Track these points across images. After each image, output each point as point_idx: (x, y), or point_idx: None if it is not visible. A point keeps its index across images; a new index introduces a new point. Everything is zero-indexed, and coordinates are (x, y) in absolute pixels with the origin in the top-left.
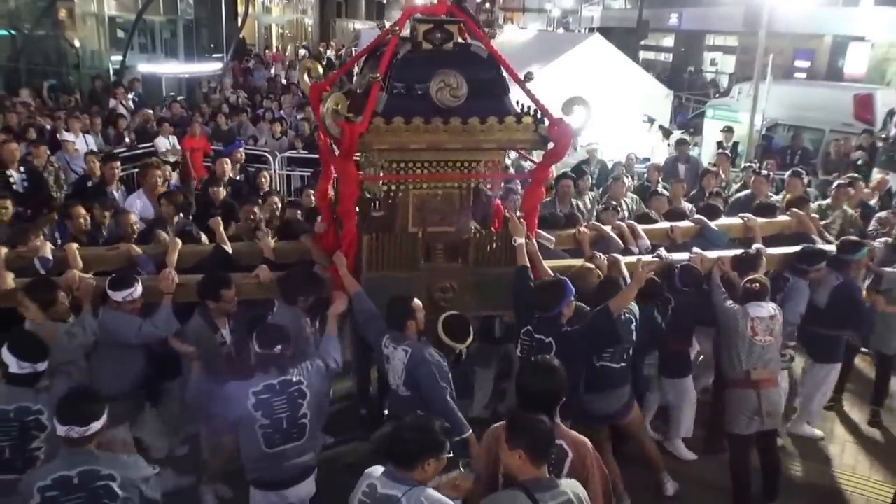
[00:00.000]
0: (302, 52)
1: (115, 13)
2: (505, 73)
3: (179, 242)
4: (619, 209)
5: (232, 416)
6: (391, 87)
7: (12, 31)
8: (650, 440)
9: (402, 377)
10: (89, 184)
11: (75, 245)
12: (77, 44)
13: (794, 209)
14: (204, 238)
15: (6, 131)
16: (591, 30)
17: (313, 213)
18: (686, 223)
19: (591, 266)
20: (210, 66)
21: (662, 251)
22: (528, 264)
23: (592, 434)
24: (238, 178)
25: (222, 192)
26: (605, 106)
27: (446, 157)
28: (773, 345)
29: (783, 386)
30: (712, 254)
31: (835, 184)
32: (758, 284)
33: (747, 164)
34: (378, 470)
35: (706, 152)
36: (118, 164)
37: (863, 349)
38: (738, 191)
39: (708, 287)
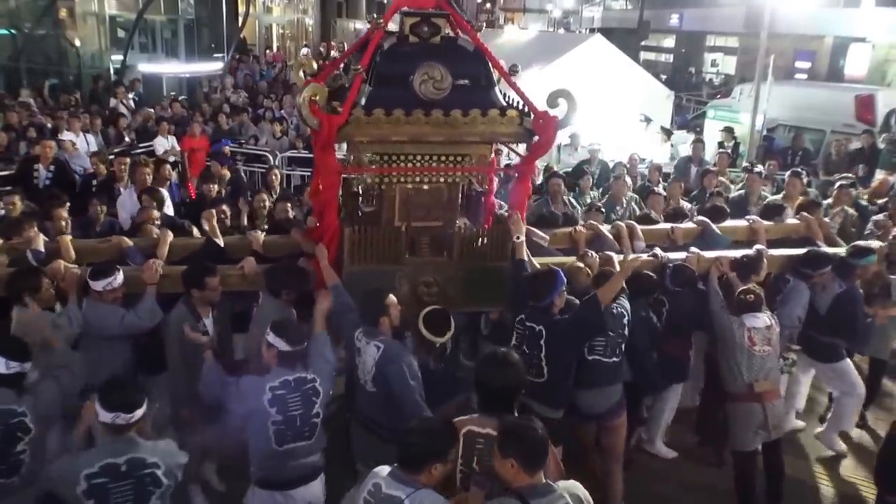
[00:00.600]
0: (305, 51)
1: (116, 12)
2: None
3: (171, 235)
4: (603, 211)
5: (244, 411)
6: (374, 80)
7: (12, 31)
8: (620, 470)
9: (371, 373)
10: (94, 182)
11: (68, 237)
12: (77, 43)
13: (805, 213)
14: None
15: (7, 129)
16: (592, 30)
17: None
18: (688, 224)
19: (581, 265)
20: (210, 66)
21: (658, 250)
22: (526, 259)
23: (579, 434)
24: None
25: (215, 189)
26: (605, 106)
27: (430, 150)
28: (772, 355)
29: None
30: (710, 254)
31: (836, 184)
32: (752, 296)
33: (747, 165)
34: (384, 470)
35: (707, 153)
36: (127, 161)
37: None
38: (738, 191)
39: (704, 287)
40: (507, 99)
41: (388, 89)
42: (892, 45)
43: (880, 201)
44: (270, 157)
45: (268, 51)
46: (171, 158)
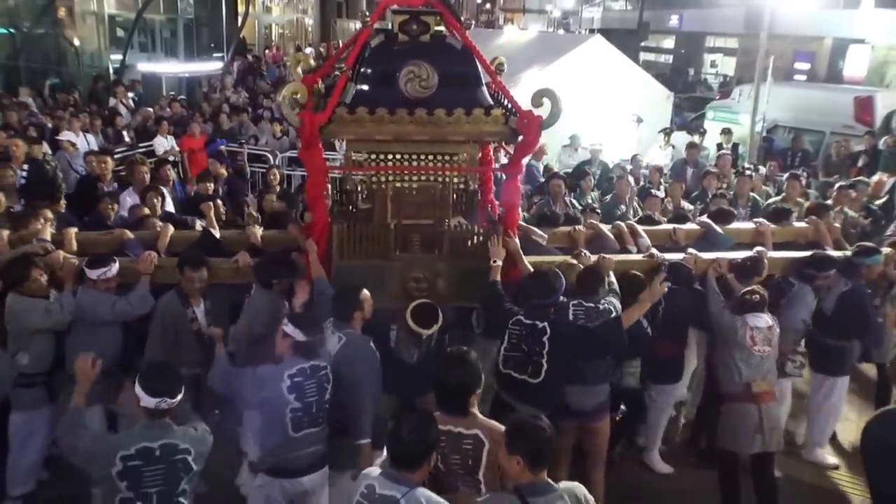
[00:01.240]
0: (309, 50)
1: (115, 12)
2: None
3: (171, 228)
4: (599, 212)
5: (261, 399)
6: (360, 78)
7: (11, 30)
8: (602, 476)
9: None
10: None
11: (73, 230)
12: (76, 42)
13: (813, 217)
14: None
15: (6, 129)
16: (592, 31)
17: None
18: (690, 225)
19: (573, 262)
20: (210, 66)
21: (654, 250)
22: (499, 280)
23: (559, 437)
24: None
25: (211, 188)
26: (605, 107)
27: (416, 149)
28: (771, 356)
29: (787, 399)
30: (709, 255)
31: (836, 186)
32: (757, 296)
33: (748, 166)
34: (376, 470)
35: (705, 153)
36: (109, 158)
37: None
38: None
39: (701, 287)
40: (496, 97)
41: (373, 88)
42: (891, 46)
43: (877, 202)
44: (270, 157)
45: (267, 51)
46: (171, 158)
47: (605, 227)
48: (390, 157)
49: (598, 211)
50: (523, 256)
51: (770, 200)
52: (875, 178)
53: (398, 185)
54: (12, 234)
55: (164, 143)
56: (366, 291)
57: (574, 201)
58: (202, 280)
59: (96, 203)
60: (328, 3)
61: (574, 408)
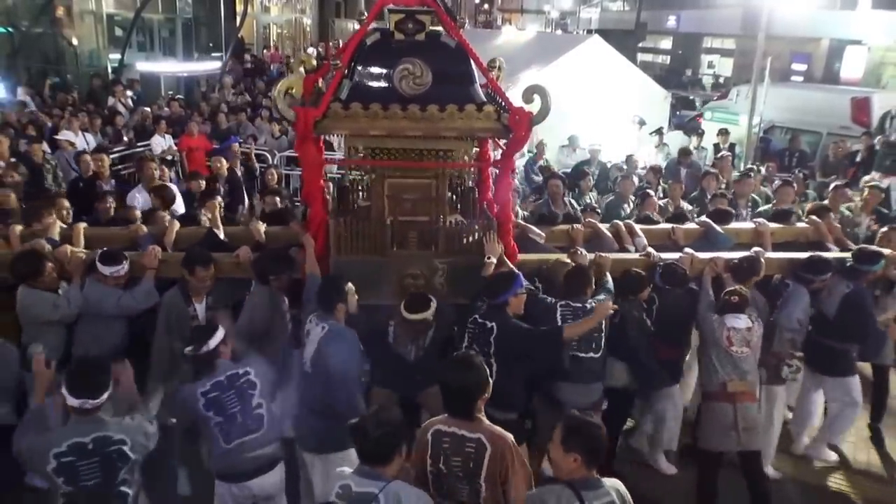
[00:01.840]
0: (311, 50)
1: (114, 11)
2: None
3: (177, 224)
4: (600, 212)
5: (188, 420)
6: (355, 75)
7: (10, 29)
8: None
9: (311, 353)
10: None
11: (83, 225)
12: (75, 42)
13: (814, 217)
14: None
15: (5, 127)
16: (590, 31)
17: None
18: (689, 225)
19: (566, 260)
20: (208, 65)
21: (651, 249)
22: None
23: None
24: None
25: (202, 185)
26: (602, 107)
27: (410, 144)
28: (749, 357)
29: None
30: (706, 255)
31: (831, 185)
32: (736, 297)
33: (749, 168)
34: (347, 470)
35: (702, 154)
36: (105, 156)
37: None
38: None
39: (696, 287)
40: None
41: (368, 84)
42: (887, 47)
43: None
44: (269, 157)
45: (265, 50)
46: (169, 157)
47: (604, 227)
48: (385, 152)
49: (599, 211)
50: (506, 259)
51: (761, 209)
52: (867, 178)
53: (394, 181)
54: (25, 229)
55: (161, 143)
56: (350, 284)
57: (573, 201)
58: (210, 277)
59: (94, 201)
60: (326, 3)
61: (568, 404)
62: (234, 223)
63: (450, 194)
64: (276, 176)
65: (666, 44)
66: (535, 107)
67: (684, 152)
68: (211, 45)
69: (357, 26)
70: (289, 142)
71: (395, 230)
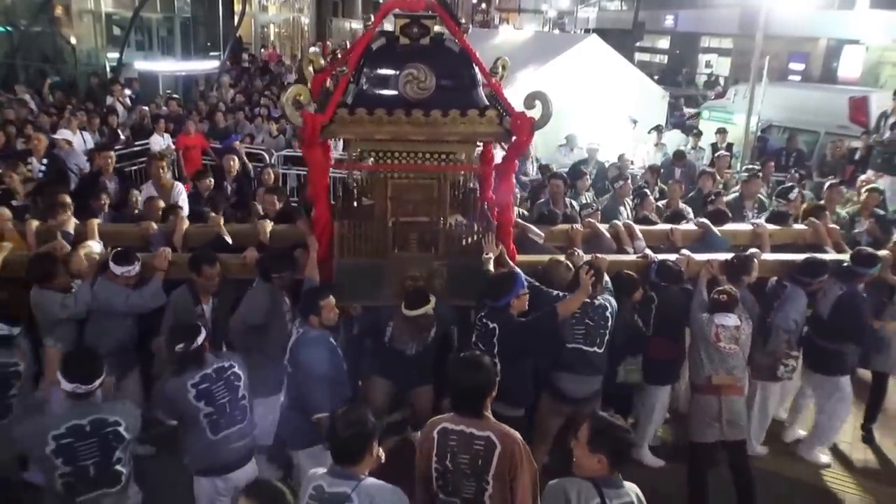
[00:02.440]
0: (313, 49)
1: (112, 10)
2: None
3: (186, 223)
4: (599, 210)
5: (176, 413)
6: (361, 80)
7: (8, 28)
8: None
9: (288, 354)
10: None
11: (96, 221)
12: (73, 41)
13: (813, 220)
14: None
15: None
16: (587, 31)
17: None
18: (687, 226)
19: (561, 259)
20: (206, 65)
21: (648, 250)
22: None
23: (547, 418)
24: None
25: (211, 183)
26: (600, 107)
27: (414, 148)
28: (737, 354)
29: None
30: (702, 256)
31: (826, 184)
32: (725, 296)
33: (749, 168)
34: (320, 470)
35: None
36: (111, 154)
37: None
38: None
39: (691, 286)
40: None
41: (373, 89)
42: (885, 47)
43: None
44: (266, 156)
45: (263, 49)
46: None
47: (603, 227)
48: (388, 155)
49: (599, 209)
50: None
51: (726, 199)
52: (862, 177)
53: (397, 182)
54: (41, 226)
55: (160, 142)
56: (330, 300)
57: (571, 201)
58: (217, 275)
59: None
60: (324, 3)
61: (568, 395)
62: (243, 221)
63: (454, 192)
64: (273, 175)
65: (664, 43)
66: (536, 112)
67: (678, 155)
68: (209, 44)
69: (355, 25)
70: (286, 141)
71: (397, 232)
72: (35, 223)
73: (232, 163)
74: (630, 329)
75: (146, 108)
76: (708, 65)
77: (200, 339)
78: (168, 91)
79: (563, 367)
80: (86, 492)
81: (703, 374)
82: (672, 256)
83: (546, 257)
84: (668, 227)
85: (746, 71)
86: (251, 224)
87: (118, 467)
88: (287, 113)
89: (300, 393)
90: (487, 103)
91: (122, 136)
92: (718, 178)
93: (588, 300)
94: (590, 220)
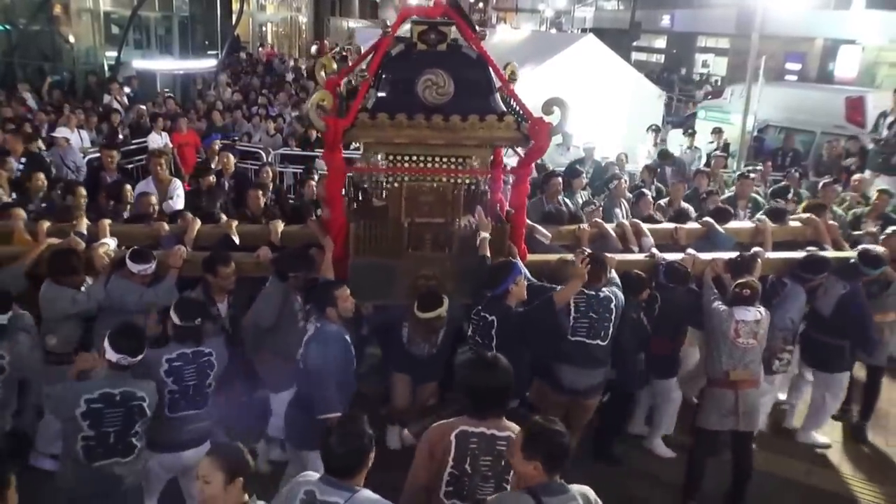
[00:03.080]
0: (314, 49)
1: (110, 9)
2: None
3: (198, 222)
4: (600, 207)
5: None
6: (381, 85)
7: (7, 27)
8: (578, 439)
9: (302, 349)
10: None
11: (108, 221)
12: (72, 39)
13: (812, 216)
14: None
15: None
16: (584, 30)
17: (315, 204)
18: (691, 225)
19: (570, 259)
20: (204, 63)
21: (654, 249)
22: (489, 255)
23: (546, 405)
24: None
25: (212, 181)
26: (597, 106)
27: (432, 152)
28: (755, 348)
29: (767, 388)
30: (707, 255)
31: (821, 183)
32: (748, 290)
33: (747, 168)
34: (313, 476)
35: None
36: (114, 152)
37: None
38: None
39: (696, 286)
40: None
41: (393, 94)
42: (882, 47)
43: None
44: (263, 154)
45: (260, 48)
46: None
47: (609, 227)
48: (407, 159)
49: (600, 207)
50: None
51: (720, 198)
52: (857, 176)
53: (412, 184)
54: (53, 226)
55: (158, 140)
56: (345, 290)
57: (566, 200)
58: (233, 274)
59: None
60: (322, 2)
61: (568, 386)
62: (241, 218)
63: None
64: (270, 174)
65: (660, 43)
66: (554, 118)
67: (663, 154)
68: (207, 42)
69: (353, 25)
70: (283, 139)
71: (412, 232)
72: (46, 224)
73: (226, 160)
74: (635, 327)
75: (143, 106)
76: (705, 64)
77: (199, 321)
78: (166, 90)
79: (565, 359)
80: (102, 458)
81: (721, 370)
82: (678, 256)
83: (554, 257)
84: (672, 226)
85: (743, 71)
86: (262, 225)
87: (134, 440)
88: (311, 118)
89: (309, 390)
90: (504, 108)
91: (121, 135)
92: (714, 177)
93: (592, 293)
94: (597, 220)
